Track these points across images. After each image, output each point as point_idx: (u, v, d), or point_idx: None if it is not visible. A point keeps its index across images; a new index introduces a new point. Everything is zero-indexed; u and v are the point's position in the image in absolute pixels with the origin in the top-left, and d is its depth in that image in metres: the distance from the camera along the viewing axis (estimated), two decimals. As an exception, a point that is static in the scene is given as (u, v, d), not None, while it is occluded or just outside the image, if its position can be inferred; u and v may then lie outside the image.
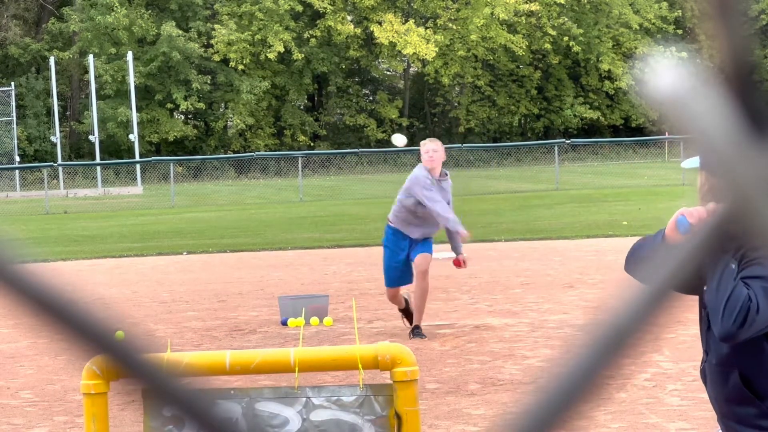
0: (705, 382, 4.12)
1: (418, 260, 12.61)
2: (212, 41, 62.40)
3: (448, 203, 12.79)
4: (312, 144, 64.48)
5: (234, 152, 61.29)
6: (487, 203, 34.28)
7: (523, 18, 64.24)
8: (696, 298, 4.03)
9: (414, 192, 12.67)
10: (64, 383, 10.81)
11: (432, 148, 12.85)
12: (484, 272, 18.15)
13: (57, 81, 56.74)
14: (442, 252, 21.09)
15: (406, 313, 13.15)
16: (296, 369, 4.39)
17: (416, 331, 12.65)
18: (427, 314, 13.87)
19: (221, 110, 64.47)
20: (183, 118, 64.55)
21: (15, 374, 11.45)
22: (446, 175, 12.99)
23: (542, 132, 67.08)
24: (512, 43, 63.67)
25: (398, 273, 12.79)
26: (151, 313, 15.26)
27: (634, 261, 4.09)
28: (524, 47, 64.11)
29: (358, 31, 64.25)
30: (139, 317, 14.63)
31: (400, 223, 12.78)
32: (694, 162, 4.11)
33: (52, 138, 56.68)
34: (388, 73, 68.79)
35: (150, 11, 63.00)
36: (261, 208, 37.78)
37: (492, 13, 62.78)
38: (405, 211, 12.75)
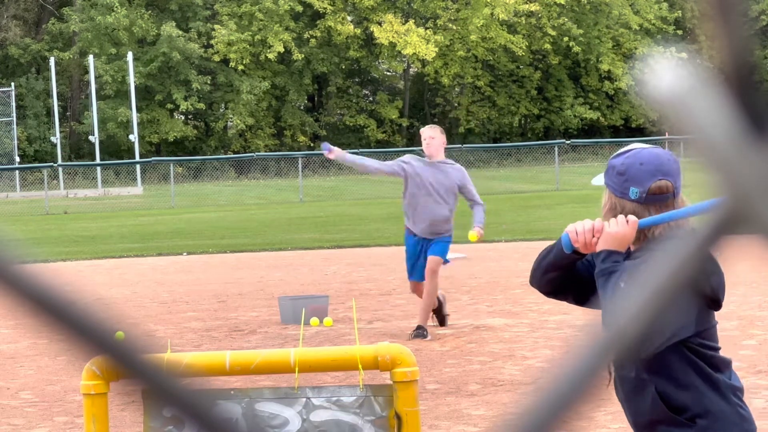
0: (617, 393, 4.06)
1: (429, 261, 12.55)
2: (212, 41, 62.41)
3: (461, 188, 12.66)
4: (312, 144, 64.47)
5: (234, 153, 61.29)
6: (487, 204, 34.22)
7: (523, 18, 64.24)
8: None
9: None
10: (64, 384, 10.81)
11: (429, 135, 12.79)
12: (484, 273, 18.15)
13: (57, 81, 56.75)
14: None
15: (439, 314, 13.13)
16: (296, 369, 4.39)
17: (417, 332, 12.59)
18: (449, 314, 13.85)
19: (221, 110, 64.48)
20: (183, 118, 64.55)
21: (15, 375, 11.45)
22: (451, 162, 12.93)
23: (542, 132, 67.08)
24: (512, 43, 63.67)
25: (419, 267, 12.69)
26: (151, 313, 15.26)
27: (540, 270, 4.11)
28: (524, 47, 64.11)
29: (358, 31, 64.25)
30: (139, 318, 14.63)
31: (409, 221, 12.74)
32: (599, 179, 4.17)
33: (52, 138, 56.69)
34: (388, 73, 68.79)
35: (150, 11, 63.00)
36: (261, 208, 37.78)
37: (492, 14, 62.78)
38: (406, 203, 12.72)
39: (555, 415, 0.81)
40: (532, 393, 0.82)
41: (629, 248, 3.89)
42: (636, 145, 4.08)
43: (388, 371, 4.43)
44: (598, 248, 3.83)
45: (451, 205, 12.65)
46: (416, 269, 12.72)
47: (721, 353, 3.99)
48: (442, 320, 13.18)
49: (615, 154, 4.11)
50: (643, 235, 3.87)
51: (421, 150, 12.99)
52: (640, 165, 3.89)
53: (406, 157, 12.80)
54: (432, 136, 12.75)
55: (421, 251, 12.60)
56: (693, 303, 3.83)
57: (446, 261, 12.83)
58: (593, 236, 3.86)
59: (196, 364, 4.40)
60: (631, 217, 3.80)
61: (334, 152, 12.52)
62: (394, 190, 41.59)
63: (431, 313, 13.01)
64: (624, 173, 3.94)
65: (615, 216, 3.91)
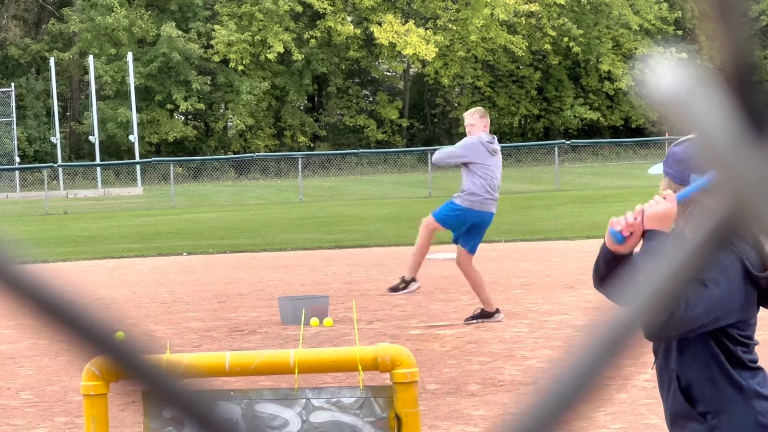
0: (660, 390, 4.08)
1: (464, 253, 13.16)
2: (212, 42, 62.41)
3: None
4: (312, 145, 64.49)
5: (234, 153, 61.29)
6: (487, 204, 34.24)
7: (522, 19, 64.25)
8: None
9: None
10: (64, 384, 10.81)
11: (468, 123, 13.24)
12: (484, 273, 18.12)
13: (57, 82, 56.75)
14: (441, 252, 21.08)
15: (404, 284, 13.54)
16: (296, 370, 4.39)
17: (395, 286, 13.23)
18: (427, 315, 13.88)
19: (221, 111, 64.48)
20: (183, 118, 64.56)
21: (15, 375, 11.45)
22: (494, 139, 13.23)
23: (542, 133, 67.09)
24: (512, 43, 63.68)
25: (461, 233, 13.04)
26: (151, 313, 15.26)
27: (596, 278, 4.06)
28: (524, 48, 64.11)
29: (358, 31, 64.26)
30: (139, 318, 14.64)
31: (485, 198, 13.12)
32: (656, 169, 4.14)
33: (52, 139, 56.69)
34: (388, 73, 68.80)
35: (150, 12, 63.00)
36: (261, 208, 37.78)
37: (492, 14, 62.77)
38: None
39: (555, 415, 0.81)
40: (532, 393, 0.82)
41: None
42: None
43: (388, 372, 4.43)
44: (645, 227, 3.79)
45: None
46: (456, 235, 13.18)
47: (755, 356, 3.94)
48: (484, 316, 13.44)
49: (676, 142, 4.10)
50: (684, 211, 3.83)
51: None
52: None
53: (473, 143, 13.24)
54: (472, 123, 13.21)
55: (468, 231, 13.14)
56: (741, 292, 3.80)
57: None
58: (635, 218, 3.82)
59: (196, 365, 4.40)
60: (668, 193, 3.78)
61: None
62: (394, 190, 41.61)
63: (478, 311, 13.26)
64: (685, 160, 3.94)
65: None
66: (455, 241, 13.32)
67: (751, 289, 3.82)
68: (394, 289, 13.78)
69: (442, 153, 13.41)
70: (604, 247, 3.95)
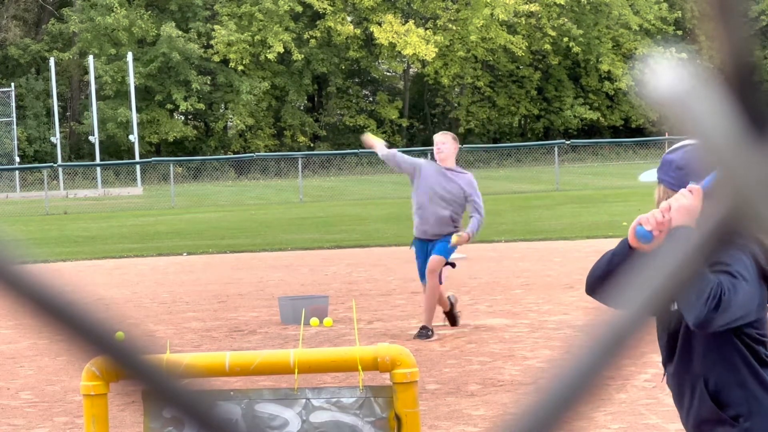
0: (673, 396, 4.03)
1: (430, 261, 12.54)
2: (212, 42, 62.41)
3: (467, 197, 12.62)
4: (312, 145, 64.49)
5: (234, 153, 61.29)
6: (487, 204, 34.20)
7: (522, 19, 64.24)
8: None
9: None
10: (64, 384, 10.81)
11: (440, 141, 12.85)
12: (484, 273, 18.15)
13: (57, 82, 56.75)
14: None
15: (450, 315, 13.16)
16: (296, 370, 4.39)
17: (421, 332, 12.60)
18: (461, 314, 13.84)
19: (221, 111, 64.48)
20: (183, 118, 64.56)
21: (15, 375, 11.45)
22: (462, 172, 12.90)
23: (542, 133, 67.09)
24: (512, 43, 63.68)
25: (418, 263, 12.78)
26: (151, 313, 15.26)
27: (600, 280, 4.01)
28: (524, 48, 64.12)
29: (358, 31, 64.26)
30: (139, 318, 14.64)
31: (415, 225, 12.78)
32: (648, 176, 4.10)
33: (52, 139, 56.69)
34: (387, 73, 68.79)
35: (150, 12, 63.00)
36: (261, 208, 37.78)
37: (492, 14, 62.78)
38: (414, 204, 12.75)
39: (555, 415, 0.81)
40: (532, 393, 0.82)
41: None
42: (691, 141, 4.02)
43: (388, 372, 4.43)
44: (674, 224, 3.75)
45: (454, 209, 12.61)
46: (419, 270, 12.82)
47: None
48: (453, 320, 13.19)
49: (670, 149, 4.07)
50: None
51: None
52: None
53: (422, 161, 12.93)
54: (443, 141, 12.81)
55: (429, 253, 12.61)
56: (758, 290, 3.78)
57: (452, 264, 12.81)
58: (663, 216, 3.79)
59: (196, 365, 4.40)
60: (692, 185, 3.72)
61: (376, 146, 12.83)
62: (394, 190, 41.58)
63: (444, 315, 13.09)
64: (684, 167, 3.91)
65: None
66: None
67: (764, 287, 3.82)
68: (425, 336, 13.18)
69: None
70: (623, 245, 3.90)
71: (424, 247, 12.62)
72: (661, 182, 3.99)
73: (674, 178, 3.93)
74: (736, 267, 3.70)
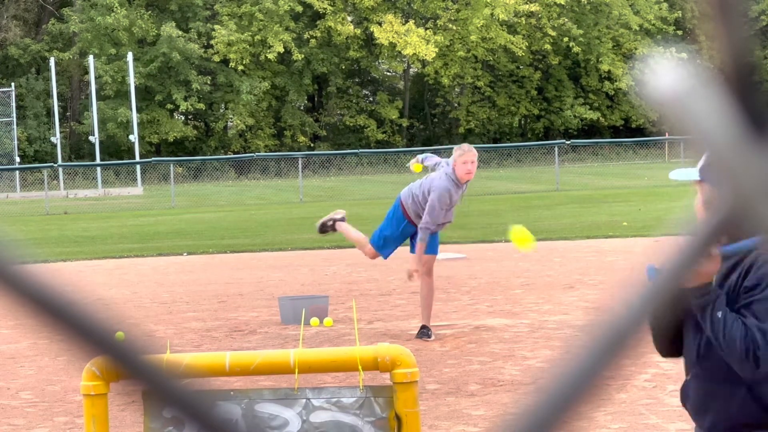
0: (687, 400, 3.98)
1: (426, 260, 12.50)
2: (212, 42, 62.41)
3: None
4: (312, 145, 64.49)
5: (234, 153, 61.29)
6: (488, 204, 34.28)
7: (522, 19, 64.25)
8: None
9: (430, 200, 12.31)
10: (65, 384, 10.81)
11: (472, 160, 12.26)
12: (484, 273, 18.15)
13: (57, 82, 56.75)
14: (441, 253, 21.06)
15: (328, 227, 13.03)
16: (296, 370, 4.39)
17: (423, 331, 12.58)
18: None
19: (221, 111, 64.49)
20: (183, 118, 64.56)
21: (15, 375, 11.45)
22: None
23: (542, 133, 67.09)
24: (512, 43, 63.68)
25: (391, 241, 12.66)
26: (151, 313, 15.26)
27: (657, 339, 3.96)
28: (524, 48, 64.12)
29: (358, 31, 64.26)
30: (139, 318, 14.64)
31: (411, 212, 12.66)
32: (680, 174, 3.94)
33: (52, 139, 56.69)
34: (388, 73, 68.80)
35: (150, 12, 63.01)
36: (261, 208, 37.78)
37: (492, 14, 62.78)
38: (418, 208, 12.58)
39: (555, 415, 0.81)
40: (532, 393, 0.82)
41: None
42: None
43: (388, 372, 4.43)
44: (688, 285, 3.66)
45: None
46: (388, 242, 12.68)
47: None
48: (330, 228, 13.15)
49: None
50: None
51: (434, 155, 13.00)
52: None
53: (446, 200, 12.33)
54: (474, 161, 12.31)
55: (407, 233, 12.60)
56: None
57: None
58: None
59: (196, 365, 4.40)
60: (714, 251, 3.50)
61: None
62: (394, 190, 41.54)
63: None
64: None
65: None
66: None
67: None
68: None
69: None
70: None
71: (408, 229, 12.58)
72: (705, 180, 3.78)
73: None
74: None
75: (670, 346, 3.99)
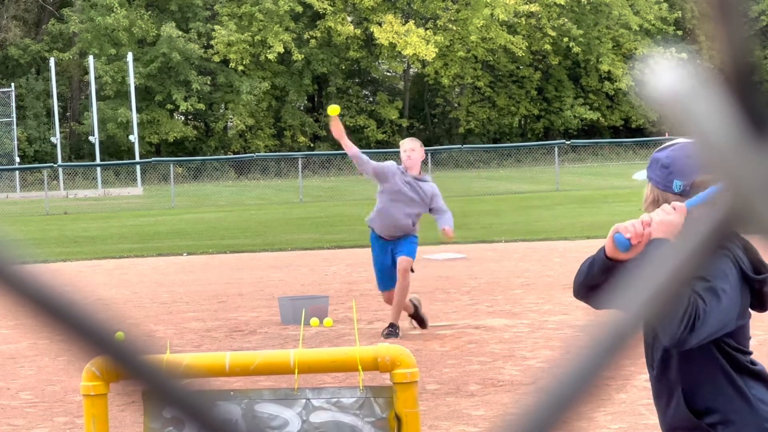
0: (654, 399, 4.00)
1: (399, 261, 12.62)
2: (212, 42, 62.42)
3: (431, 210, 12.68)
4: (312, 145, 64.50)
5: (234, 153, 61.29)
6: (488, 204, 34.30)
7: (522, 19, 64.25)
8: None
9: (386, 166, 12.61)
10: (64, 384, 10.81)
11: (410, 147, 12.70)
12: (484, 273, 18.16)
13: (57, 82, 56.75)
14: (442, 253, 21.07)
15: (416, 317, 13.11)
16: (296, 370, 4.39)
17: (390, 330, 12.64)
18: (428, 315, 13.87)
19: (221, 111, 64.49)
20: (183, 119, 64.57)
21: (15, 375, 11.45)
22: (427, 180, 12.88)
23: (542, 133, 67.09)
24: (512, 44, 63.68)
25: (388, 274, 12.75)
26: (151, 314, 15.26)
27: (583, 287, 4.00)
28: (524, 48, 64.12)
29: (358, 32, 64.26)
30: (139, 318, 14.64)
31: (374, 222, 12.79)
32: (641, 174, 4.09)
33: (52, 139, 56.70)
34: (388, 74, 68.80)
35: (150, 12, 63.01)
36: (261, 209, 37.78)
37: (492, 14, 62.78)
38: (378, 204, 12.74)
39: (555, 415, 0.81)
40: (532, 393, 0.82)
41: None
42: (681, 140, 4.02)
43: (388, 372, 4.43)
44: (653, 236, 3.74)
45: (416, 217, 12.76)
46: (386, 278, 12.78)
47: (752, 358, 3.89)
48: (422, 322, 13.13)
49: (659, 147, 4.05)
50: None
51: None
52: (686, 158, 3.87)
53: (389, 164, 12.80)
54: (413, 148, 12.71)
55: (391, 257, 12.69)
56: (740, 297, 3.76)
57: (412, 270, 12.88)
58: (643, 228, 3.78)
59: (196, 365, 4.40)
60: (677, 203, 3.71)
61: (337, 131, 12.62)
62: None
63: (410, 319, 13.08)
64: (669, 166, 3.91)
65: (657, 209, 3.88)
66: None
67: (746, 293, 3.80)
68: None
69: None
70: (601, 254, 3.90)
71: (386, 246, 12.71)
72: (650, 180, 4.01)
73: (659, 176, 3.93)
74: (717, 282, 3.68)
75: (589, 293, 4.03)
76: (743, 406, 3.79)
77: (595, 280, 3.94)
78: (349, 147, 12.64)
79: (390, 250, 12.71)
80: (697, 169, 3.79)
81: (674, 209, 3.70)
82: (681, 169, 3.88)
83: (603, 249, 3.89)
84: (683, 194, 3.86)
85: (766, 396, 3.85)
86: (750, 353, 3.88)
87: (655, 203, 3.95)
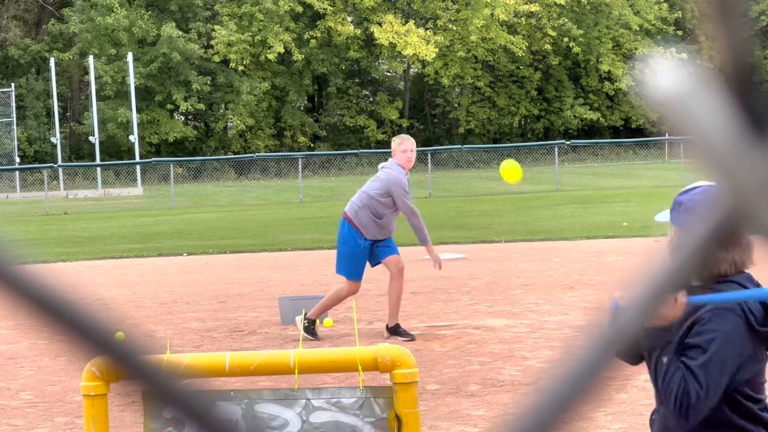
0: (652, 427, 3.96)
1: (393, 260, 12.62)
2: (212, 42, 62.42)
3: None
4: (312, 145, 64.49)
5: (234, 153, 61.29)
6: (488, 204, 34.30)
7: (522, 19, 64.25)
8: None
9: (393, 193, 12.52)
10: (64, 384, 10.81)
11: (411, 148, 12.59)
12: (484, 273, 18.15)
13: (57, 82, 56.75)
14: (441, 253, 21.06)
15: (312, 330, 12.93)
16: (296, 370, 4.39)
17: (400, 331, 12.63)
18: (428, 315, 13.88)
19: (221, 111, 64.50)
20: (183, 119, 64.57)
21: (15, 375, 11.45)
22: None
23: (542, 133, 67.09)
24: (512, 44, 63.68)
25: (362, 264, 12.72)
26: (151, 314, 15.26)
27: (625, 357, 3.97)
28: (524, 48, 64.12)
29: (358, 32, 64.26)
30: (139, 318, 14.64)
31: (360, 221, 12.72)
32: (664, 216, 3.99)
33: (52, 139, 56.70)
34: (388, 74, 68.80)
35: (150, 12, 63.01)
36: (261, 209, 37.78)
37: (492, 14, 62.78)
38: (372, 210, 12.66)
39: (555, 415, 0.81)
40: (532, 393, 0.82)
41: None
42: (702, 182, 3.93)
43: (388, 372, 4.43)
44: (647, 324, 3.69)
45: None
46: (360, 271, 12.77)
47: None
48: (312, 333, 13.03)
49: (682, 190, 3.98)
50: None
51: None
52: (708, 203, 3.80)
53: (405, 183, 12.64)
54: (413, 149, 12.64)
55: (373, 253, 12.72)
56: (745, 350, 3.73)
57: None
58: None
59: (196, 365, 4.40)
60: (680, 296, 3.55)
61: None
62: (394, 190, 41.54)
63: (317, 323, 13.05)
64: (690, 210, 3.82)
65: None
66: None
67: (758, 342, 3.76)
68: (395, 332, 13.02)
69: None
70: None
71: (366, 242, 12.71)
72: (674, 222, 3.91)
73: (682, 221, 3.84)
74: (716, 349, 3.65)
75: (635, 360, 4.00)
76: None
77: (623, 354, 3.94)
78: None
79: (369, 245, 12.70)
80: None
81: (675, 301, 3.53)
82: (702, 214, 3.83)
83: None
84: None
85: None
86: (762, 400, 3.83)
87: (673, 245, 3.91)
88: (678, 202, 3.91)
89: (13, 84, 57.45)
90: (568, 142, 52.23)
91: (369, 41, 65.51)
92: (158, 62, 61.03)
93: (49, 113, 58.64)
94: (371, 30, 64.16)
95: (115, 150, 60.60)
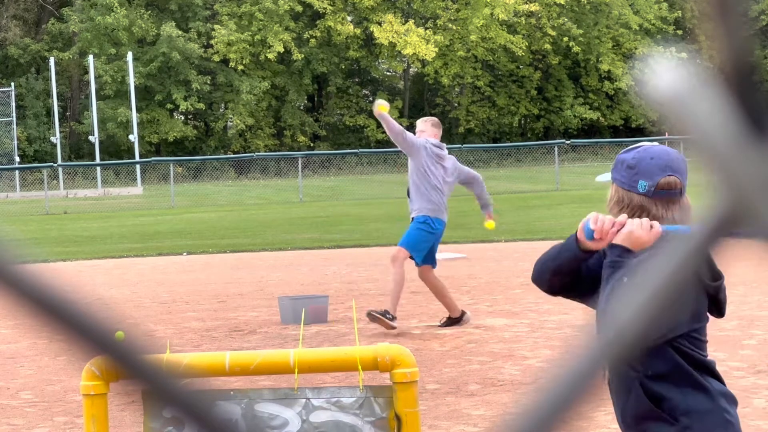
0: (610, 391, 4.06)
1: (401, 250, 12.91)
2: (212, 41, 62.42)
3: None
4: (312, 144, 64.49)
5: (234, 153, 61.29)
6: (487, 204, 34.22)
7: (522, 18, 64.26)
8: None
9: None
10: (64, 384, 10.81)
11: (419, 129, 13.17)
12: (484, 273, 18.16)
13: (57, 81, 56.75)
14: (441, 253, 21.05)
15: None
16: (296, 370, 4.39)
17: (387, 315, 12.81)
18: (427, 314, 13.88)
19: (221, 111, 64.50)
20: (183, 118, 64.57)
21: (15, 375, 11.45)
22: (442, 146, 13.34)
23: (542, 132, 67.10)
24: (512, 43, 63.69)
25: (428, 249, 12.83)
26: (150, 313, 15.26)
27: (546, 272, 4.11)
28: (524, 48, 64.13)
29: (358, 31, 64.26)
30: (139, 318, 14.64)
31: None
32: (603, 177, 4.18)
33: (52, 138, 56.70)
34: (387, 73, 68.80)
35: (150, 12, 63.01)
36: (261, 208, 37.79)
37: (492, 14, 62.79)
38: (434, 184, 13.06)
39: (555, 415, 0.81)
40: (532, 393, 0.82)
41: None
42: (646, 142, 4.13)
43: (387, 372, 4.43)
44: (616, 241, 3.84)
45: None
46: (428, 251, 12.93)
47: (712, 355, 3.97)
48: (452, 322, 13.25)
49: (624, 150, 4.16)
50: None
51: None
52: (650, 159, 3.97)
53: (430, 147, 13.00)
54: (422, 129, 13.13)
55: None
56: (692, 300, 3.83)
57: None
58: (613, 226, 3.87)
59: (196, 365, 4.40)
60: (656, 224, 3.77)
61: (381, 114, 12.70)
62: (394, 190, 41.60)
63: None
64: (634, 167, 4.00)
65: (621, 209, 3.97)
66: (423, 262, 12.98)
67: (703, 298, 3.88)
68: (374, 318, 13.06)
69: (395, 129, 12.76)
70: (571, 239, 4.05)
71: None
72: (614, 181, 4.13)
73: (624, 177, 4.05)
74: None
75: (552, 278, 4.15)
76: (703, 398, 3.87)
77: (561, 263, 4.09)
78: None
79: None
80: (660, 172, 3.91)
81: (650, 227, 3.76)
82: (646, 170, 3.99)
83: (574, 235, 4.06)
84: (647, 195, 3.94)
85: (725, 389, 3.94)
86: (706, 349, 3.94)
87: (619, 203, 4.08)
88: (620, 160, 4.10)
89: (12, 83, 57.46)
90: (568, 142, 52.24)
91: (369, 41, 65.52)
92: (158, 62, 61.03)
93: (49, 113, 58.65)
94: (371, 29, 64.16)
95: (115, 149, 60.60)
